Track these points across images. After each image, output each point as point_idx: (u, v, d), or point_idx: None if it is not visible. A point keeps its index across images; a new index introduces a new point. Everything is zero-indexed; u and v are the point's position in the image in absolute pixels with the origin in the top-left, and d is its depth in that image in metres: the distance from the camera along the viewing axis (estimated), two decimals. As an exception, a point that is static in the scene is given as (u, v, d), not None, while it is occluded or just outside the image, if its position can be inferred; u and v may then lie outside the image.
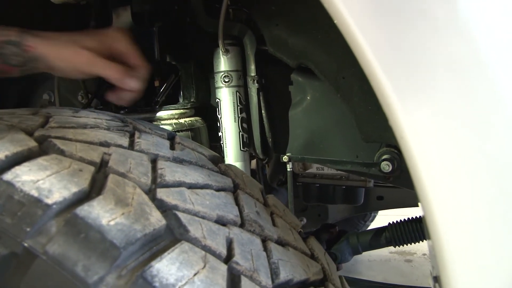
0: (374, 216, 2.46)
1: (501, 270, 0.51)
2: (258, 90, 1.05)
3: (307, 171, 1.45)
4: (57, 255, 0.46)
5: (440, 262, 0.53)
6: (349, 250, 1.35)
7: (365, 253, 2.60)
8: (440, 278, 0.54)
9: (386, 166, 0.99)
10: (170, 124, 1.03)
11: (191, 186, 0.61)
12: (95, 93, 1.14)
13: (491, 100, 0.49)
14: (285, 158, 1.08)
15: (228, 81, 1.05)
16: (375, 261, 2.50)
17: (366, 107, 0.94)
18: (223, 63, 1.04)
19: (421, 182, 0.52)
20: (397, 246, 1.35)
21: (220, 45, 1.01)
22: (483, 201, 0.51)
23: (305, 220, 1.78)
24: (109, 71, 0.89)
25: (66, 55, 0.86)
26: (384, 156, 1.00)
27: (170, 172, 0.61)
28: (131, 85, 0.92)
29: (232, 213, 0.61)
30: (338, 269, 1.43)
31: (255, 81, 1.04)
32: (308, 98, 1.06)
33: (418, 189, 0.53)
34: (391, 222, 1.34)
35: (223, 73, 1.04)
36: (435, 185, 0.52)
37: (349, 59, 0.92)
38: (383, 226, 1.35)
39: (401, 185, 1.11)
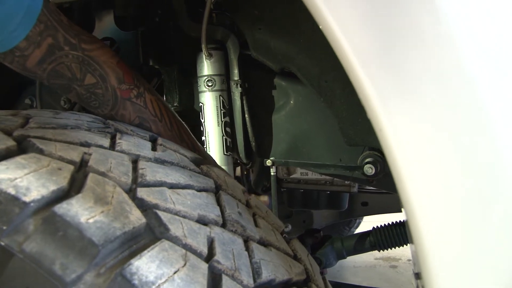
0: (359, 222, 2.47)
1: (483, 272, 0.51)
2: (242, 94, 1.06)
3: (291, 176, 1.46)
4: (34, 254, 0.45)
5: (423, 266, 0.53)
6: (334, 255, 1.35)
7: (350, 260, 2.61)
8: (423, 279, 0.54)
9: (369, 169, 1.00)
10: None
11: (172, 186, 0.61)
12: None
13: (472, 105, 0.49)
14: (268, 162, 1.09)
15: (211, 85, 1.05)
16: (360, 267, 2.50)
17: (348, 111, 0.95)
18: (206, 67, 1.05)
19: (404, 185, 0.52)
20: (381, 251, 1.35)
21: (203, 49, 1.01)
22: (465, 204, 0.50)
23: (290, 226, 1.78)
24: None
25: None
26: (367, 160, 1.01)
27: (151, 172, 0.61)
28: None
29: (213, 213, 0.61)
30: (322, 274, 1.43)
31: (239, 85, 1.05)
32: (292, 102, 1.07)
33: (400, 192, 0.53)
34: (375, 227, 1.35)
35: (206, 77, 1.05)
36: (417, 189, 0.52)
37: (331, 63, 0.93)
38: (367, 231, 1.36)
39: (384, 189, 1.12)
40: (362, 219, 2.43)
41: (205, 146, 1.07)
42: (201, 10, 0.97)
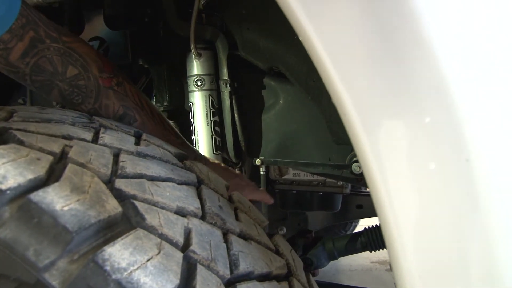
0: (355, 226, 2.47)
1: (459, 277, 0.50)
2: (231, 94, 1.07)
3: (283, 178, 1.46)
4: (8, 240, 0.46)
5: (395, 271, 0.52)
6: (325, 256, 1.35)
7: (346, 263, 2.61)
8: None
9: (357, 168, 1.00)
10: (141, 128, 1.03)
11: (152, 179, 0.62)
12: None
13: (445, 109, 0.49)
14: (257, 162, 1.09)
15: (200, 85, 1.06)
16: (356, 270, 2.50)
17: (336, 110, 0.96)
18: (196, 67, 1.06)
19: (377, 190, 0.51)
20: (373, 251, 1.35)
21: (192, 49, 1.02)
22: (438, 207, 0.49)
23: (285, 229, 1.78)
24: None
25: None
26: (356, 158, 1.01)
27: (132, 165, 0.61)
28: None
29: (193, 205, 0.61)
30: (314, 274, 1.43)
31: (228, 85, 1.06)
32: (281, 101, 1.08)
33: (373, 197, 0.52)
34: (366, 227, 1.35)
35: (195, 77, 1.06)
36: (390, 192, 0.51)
37: (318, 62, 0.94)
38: (359, 231, 1.36)
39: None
40: (357, 222, 2.43)
41: (194, 146, 1.08)
42: (190, 10, 0.99)
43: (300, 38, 0.56)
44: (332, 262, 1.88)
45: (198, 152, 1.02)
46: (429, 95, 0.45)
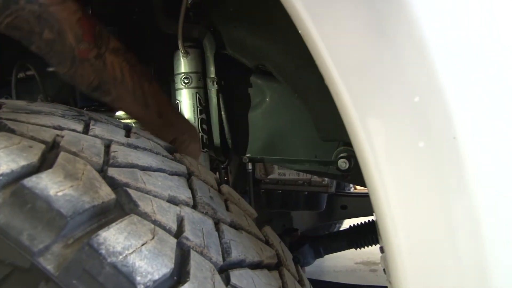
0: (339, 227, 2.48)
1: (450, 271, 0.51)
2: (218, 92, 1.07)
3: (269, 177, 1.47)
4: (2, 225, 0.46)
5: (390, 266, 0.53)
6: (311, 254, 1.36)
7: (330, 264, 2.62)
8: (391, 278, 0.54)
9: (343, 164, 1.01)
10: (129, 123, 1.03)
11: (144, 169, 0.62)
12: (54, 96, 1.14)
13: (437, 102, 0.50)
14: (244, 159, 1.10)
15: (188, 83, 1.06)
16: (341, 271, 2.52)
17: (322, 106, 0.97)
18: (183, 65, 1.06)
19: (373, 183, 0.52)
20: (358, 249, 1.37)
21: (180, 47, 1.03)
22: (426, 184, 0.51)
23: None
24: None
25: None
26: (342, 154, 1.02)
27: (123, 155, 0.62)
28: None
29: (184, 195, 0.62)
30: (300, 273, 1.44)
31: (215, 83, 1.06)
32: (267, 99, 1.09)
33: (369, 190, 0.53)
34: (351, 225, 1.37)
35: (183, 74, 1.06)
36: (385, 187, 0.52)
37: (305, 59, 0.95)
38: (344, 229, 1.38)
39: (359, 184, 1.14)
40: (342, 223, 2.45)
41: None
42: (178, 8, 0.99)
43: (300, 32, 0.57)
44: (317, 263, 1.89)
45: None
46: (418, 75, 0.47)
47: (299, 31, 0.54)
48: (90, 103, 1.11)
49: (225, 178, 1.59)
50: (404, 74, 0.48)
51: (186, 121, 0.93)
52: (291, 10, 0.53)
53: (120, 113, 1.06)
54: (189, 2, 1.02)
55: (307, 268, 2.01)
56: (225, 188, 0.76)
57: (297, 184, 1.48)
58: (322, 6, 0.52)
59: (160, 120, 0.83)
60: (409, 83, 0.48)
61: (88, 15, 0.76)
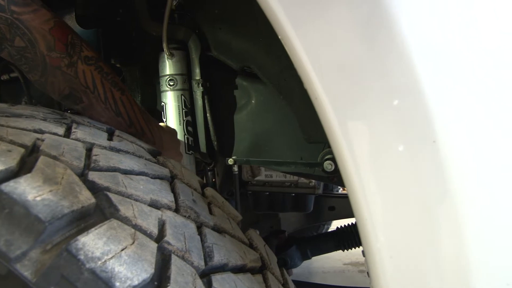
0: (327, 228, 2.49)
1: (432, 275, 0.51)
2: (203, 94, 1.07)
3: (256, 179, 1.47)
4: (-21, 231, 0.45)
5: (371, 268, 0.53)
6: (299, 255, 1.36)
7: (319, 265, 2.63)
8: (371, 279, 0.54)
9: (329, 165, 1.01)
10: (113, 126, 1.02)
11: (126, 172, 0.61)
12: (39, 98, 1.13)
13: (418, 104, 0.50)
14: (230, 161, 1.10)
15: (173, 85, 1.06)
16: (329, 272, 2.52)
17: (307, 108, 0.97)
18: (168, 67, 1.06)
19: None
20: (345, 250, 1.37)
21: (165, 49, 1.03)
22: (407, 189, 0.50)
23: (258, 232, 1.79)
24: None
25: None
26: (327, 156, 1.02)
27: (105, 158, 0.61)
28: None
29: (166, 198, 0.62)
30: (288, 274, 1.44)
31: (200, 85, 1.06)
32: (253, 101, 1.09)
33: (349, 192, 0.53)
34: (338, 227, 1.37)
35: (168, 76, 1.06)
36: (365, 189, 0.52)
37: (289, 61, 0.95)
38: (332, 231, 1.38)
39: (345, 186, 1.14)
40: (330, 224, 2.46)
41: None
42: (163, 10, 0.99)
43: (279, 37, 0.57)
44: (305, 265, 1.89)
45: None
46: (398, 79, 0.47)
47: (277, 34, 0.53)
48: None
49: (213, 180, 1.59)
50: (384, 77, 0.48)
51: (162, 129, 0.93)
52: (269, 12, 0.53)
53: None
54: (174, 4, 1.02)
55: (294, 270, 2.01)
56: (209, 191, 0.76)
57: (284, 186, 1.48)
58: (300, 8, 0.52)
59: (131, 129, 0.83)
60: (388, 86, 0.48)
61: (61, 24, 0.75)
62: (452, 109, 0.46)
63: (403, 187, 0.50)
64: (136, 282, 0.46)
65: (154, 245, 0.52)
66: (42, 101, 1.11)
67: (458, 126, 0.46)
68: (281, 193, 1.52)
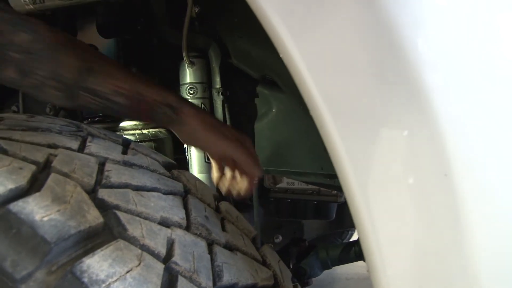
0: (352, 234, 2.45)
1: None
2: (223, 102, 1.07)
3: (278, 186, 1.46)
4: (-14, 250, 0.46)
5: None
6: (319, 265, 1.34)
7: (342, 271, 2.59)
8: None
9: (348, 177, 0.99)
10: (133, 134, 1.03)
11: (137, 188, 0.61)
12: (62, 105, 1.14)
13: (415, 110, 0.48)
14: (249, 170, 1.09)
15: (193, 93, 1.06)
16: (352, 279, 2.49)
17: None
18: (188, 75, 1.06)
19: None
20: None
21: (185, 57, 1.03)
22: (417, 223, 0.48)
23: (280, 237, 1.78)
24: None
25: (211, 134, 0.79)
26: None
27: (117, 174, 0.61)
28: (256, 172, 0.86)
29: (177, 216, 0.61)
30: (308, 284, 1.42)
31: (220, 93, 1.06)
32: (273, 110, 1.08)
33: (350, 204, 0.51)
34: (360, 237, 1.34)
35: (188, 85, 1.06)
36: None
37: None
38: (353, 241, 1.35)
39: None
40: (354, 230, 2.42)
41: (186, 154, 1.08)
42: (183, 18, 0.99)
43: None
44: (328, 271, 1.87)
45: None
46: (409, 108, 0.45)
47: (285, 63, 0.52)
48: (95, 114, 1.11)
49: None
50: (393, 106, 0.46)
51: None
52: (276, 39, 0.52)
53: (124, 123, 1.06)
54: (195, 11, 1.02)
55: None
56: (223, 205, 0.75)
57: (306, 193, 1.46)
58: (307, 32, 0.51)
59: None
60: (398, 116, 0.46)
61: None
62: (465, 141, 0.44)
63: (412, 219, 0.47)
64: (139, 306, 0.46)
65: (161, 266, 0.52)
66: (65, 108, 1.12)
67: (471, 159, 0.43)
68: (303, 200, 1.51)
